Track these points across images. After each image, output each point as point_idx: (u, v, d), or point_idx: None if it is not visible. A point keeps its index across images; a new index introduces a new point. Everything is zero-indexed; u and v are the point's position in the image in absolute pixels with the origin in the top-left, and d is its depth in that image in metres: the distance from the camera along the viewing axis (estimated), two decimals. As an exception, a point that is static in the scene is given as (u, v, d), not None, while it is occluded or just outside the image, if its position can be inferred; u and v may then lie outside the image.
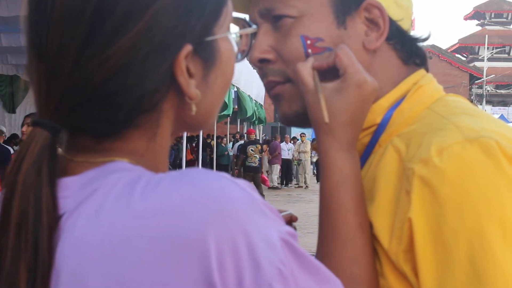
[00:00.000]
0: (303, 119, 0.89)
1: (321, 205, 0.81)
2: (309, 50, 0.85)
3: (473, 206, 0.70)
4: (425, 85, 0.88)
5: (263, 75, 0.90)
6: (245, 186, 0.60)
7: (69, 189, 0.62)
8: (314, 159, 23.86)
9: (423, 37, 0.92)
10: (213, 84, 0.70)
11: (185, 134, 11.66)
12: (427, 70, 0.92)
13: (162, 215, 0.56)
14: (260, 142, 15.88)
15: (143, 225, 0.56)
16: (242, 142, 17.67)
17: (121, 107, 0.63)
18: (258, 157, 14.40)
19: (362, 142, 0.87)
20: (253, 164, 14.44)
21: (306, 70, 0.82)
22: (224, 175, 0.60)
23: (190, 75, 0.67)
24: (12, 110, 14.24)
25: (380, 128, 0.86)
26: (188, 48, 0.65)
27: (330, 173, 0.81)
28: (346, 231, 0.78)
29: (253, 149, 14.41)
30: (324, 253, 0.80)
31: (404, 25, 0.89)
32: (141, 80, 0.63)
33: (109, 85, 0.62)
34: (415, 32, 0.92)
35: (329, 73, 0.82)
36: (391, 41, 0.88)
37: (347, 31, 0.85)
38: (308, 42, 0.85)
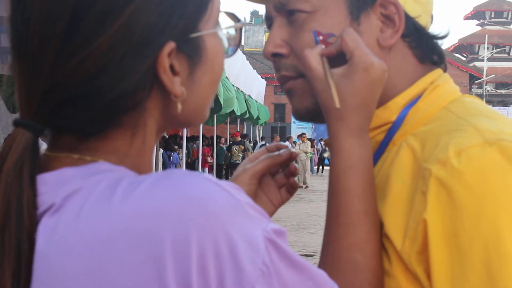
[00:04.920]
0: (314, 115, 0.88)
1: (329, 190, 0.80)
2: (322, 46, 0.83)
3: (491, 210, 0.69)
4: (441, 84, 0.87)
5: (276, 69, 0.90)
6: (228, 187, 0.59)
7: (47, 185, 0.62)
8: (326, 155, 24.16)
9: (441, 34, 0.90)
10: (200, 81, 0.69)
11: (185, 134, 11.65)
12: (445, 68, 0.91)
13: (142, 217, 0.56)
14: (244, 142, 17.66)
15: (123, 227, 0.56)
16: (263, 142, 19.88)
17: (102, 106, 0.63)
18: (241, 155, 16.63)
19: (376, 140, 0.86)
20: (237, 162, 16.77)
21: (313, 57, 0.81)
22: (207, 176, 0.60)
23: (174, 72, 0.65)
24: (13, 110, 14.21)
25: (394, 126, 0.85)
26: (171, 45, 0.64)
27: (339, 158, 0.80)
28: (350, 217, 0.77)
29: (236, 148, 16.83)
30: (328, 239, 0.79)
31: (421, 21, 0.87)
32: (121, 79, 0.62)
33: (88, 84, 0.62)
34: (432, 29, 0.90)
35: (339, 59, 0.81)
36: (407, 38, 0.86)
37: (360, 27, 0.84)
38: (320, 37, 0.84)
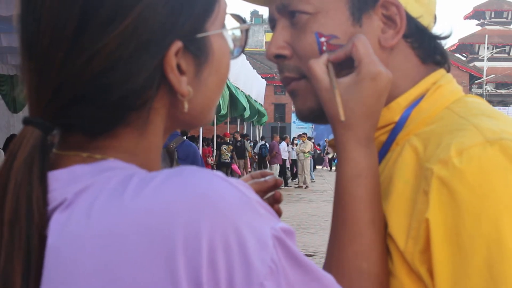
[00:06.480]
0: (317, 116, 0.88)
1: (335, 198, 0.81)
2: (324, 48, 0.84)
3: (492, 210, 0.69)
4: (444, 85, 0.87)
5: (280, 71, 0.90)
6: (238, 184, 0.60)
7: (58, 181, 0.63)
8: (330, 156, 24.50)
9: (444, 34, 0.90)
10: (207, 81, 0.70)
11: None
12: (448, 68, 0.91)
13: (153, 213, 0.56)
14: (232, 143, 18.11)
15: (134, 224, 0.57)
16: (263, 142, 20.71)
17: (110, 104, 0.63)
18: (229, 154, 17.53)
19: (379, 140, 0.86)
20: (226, 160, 17.64)
21: (319, 66, 0.82)
22: (217, 173, 0.60)
23: (181, 72, 0.66)
24: (14, 110, 14.22)
25: (397, 127, 0.85)
26: (178, 45, 0.65)
27: (346, 166, 0.80)
28: (357, 225, 0.77)
29: (225, 148, 17.53)
30: (334, 245, 0.79)
31: (424, 22, 0.87)
32: (128, 77, 0.63)
33: (97, 83, 0.62)
34: (435, 29, 0.90)
35: (345, 64, 0.82)
36: (409, 38, 0.87)
37: (362, 28, 0.84)
38: (323, 39, 0.84)
